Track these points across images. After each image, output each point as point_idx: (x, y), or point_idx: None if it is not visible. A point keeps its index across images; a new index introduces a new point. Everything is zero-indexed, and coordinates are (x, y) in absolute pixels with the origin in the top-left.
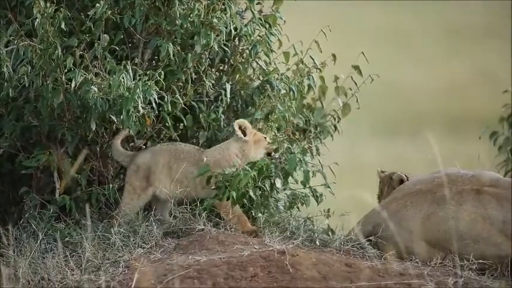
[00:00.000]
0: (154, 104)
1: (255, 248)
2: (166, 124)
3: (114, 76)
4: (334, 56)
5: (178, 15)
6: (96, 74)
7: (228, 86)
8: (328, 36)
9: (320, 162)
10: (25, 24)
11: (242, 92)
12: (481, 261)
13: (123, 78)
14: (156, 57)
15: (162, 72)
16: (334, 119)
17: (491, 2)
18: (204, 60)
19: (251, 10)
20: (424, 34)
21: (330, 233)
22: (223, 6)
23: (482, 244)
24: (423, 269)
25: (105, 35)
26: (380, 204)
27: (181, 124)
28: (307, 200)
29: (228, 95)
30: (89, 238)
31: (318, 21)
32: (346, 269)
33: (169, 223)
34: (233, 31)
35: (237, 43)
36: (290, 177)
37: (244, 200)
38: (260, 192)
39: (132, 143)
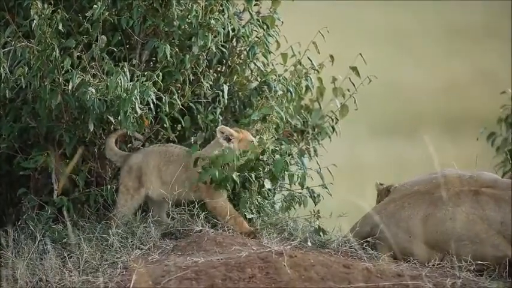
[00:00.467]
0: (152, 105)
1: (253, 249)
2: (164, 125)
3: (111, 77)
4: (332, 57)
5: (176, 17)
6: (94, 75)
7: (225, 87)
8: (327, 36)
9: (318, 164)
10: (23, 25)
11: (240, 93)
12: (479, 262)
13: (120, 79)
14: (154, 58)
15: (160, 74)
16: (332, 120)
17: (491, 2)
18: (201, 62)
19: (249, 11)
20: (424, 34)
21: (321, 233)
22: (221, 8)
23: (480, 245)
24: (421, 270)
25: (103, 36)
26: (378, 205)
27: (179, 125)
28: (304, 200)
29: (226, 96)
30: (86, 239)
31: (317, 21)
32: (344, 270)
33: (167, 224)
34: (231, 32)
35: (234, 44)
36: (286, 179)
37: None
38: (245, 184)
39: (130, 144)
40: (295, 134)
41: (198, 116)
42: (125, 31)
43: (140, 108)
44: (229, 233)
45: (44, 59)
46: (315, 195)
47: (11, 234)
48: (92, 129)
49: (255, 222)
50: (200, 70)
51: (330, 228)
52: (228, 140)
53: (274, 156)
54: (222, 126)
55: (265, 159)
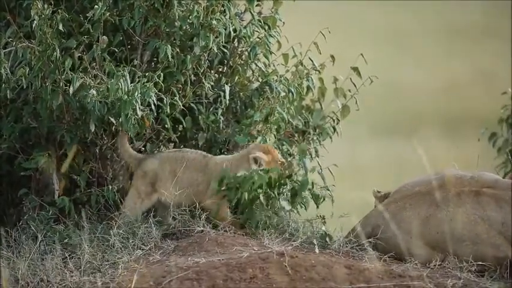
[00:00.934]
0: (153, 106)
1: (254, 250)
2: (166, 126)
3: (112, 80)
4: (332, 57)
5: (177, 17)
6: (95, 76)
7: (227, 88)
8: (328, 36)
9: (319, 164)
10: (24, 26)
11: (241, 93)
12: (480, 262)
13: (121, 82)
14: (155, 59)
15: (161, 74)
16: (334, 120)
17: (491, 2)
18: (203, 62)
19: (250, 12)
20: (424, 34)
21: (327, 238)
22: (222, 8)
23: (481, 246)
24: (422, 271)
25: (104, 36)
26: (379, 206)
27: (181, 126)
28: (306, 202)
29: (227, 97)
30: (87, 240)
31: (318, 21)
32: (345, 270)
33: (169, 224)
34: (232, 33)
35: (236, 45)
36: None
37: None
38: (267, 202)
39: (131, 145)
40: (296, 135)
41: (200, 117)
42: (126, 31)
43: (141, 110)
44: (230, 233)
45: (45, 59)
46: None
47: (12, 234)
48: (93, 130)
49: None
50: (201, 71)
51: (332, 229)
52: (260, 164)
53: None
54: (257, 155)
55: (290, 180)
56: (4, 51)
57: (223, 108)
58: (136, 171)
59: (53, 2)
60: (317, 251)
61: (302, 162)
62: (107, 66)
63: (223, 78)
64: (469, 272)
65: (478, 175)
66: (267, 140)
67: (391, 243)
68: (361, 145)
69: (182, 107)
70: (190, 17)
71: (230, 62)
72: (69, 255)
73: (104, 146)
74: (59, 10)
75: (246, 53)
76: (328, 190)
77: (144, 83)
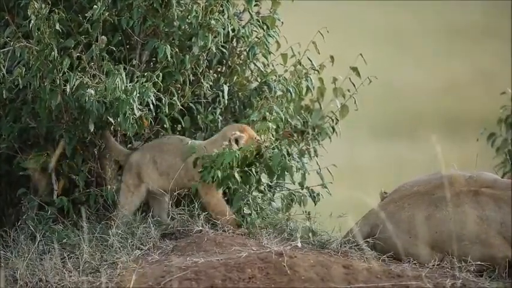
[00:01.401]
0: (152, 106)
1: (253, 250)
2: (164, 125)
3: (109, 79)
4: (332, 57)
5: (176, 17)
6: (94, 76)
7: (225, 88)
8: (327, 36)
9: (318, 164)
10: (22, 25)
11: (240, 93)
12: (479, 262)
13: (118, 82)
14: (154, 58)
15: (160, 74)
16: (333, 120)
17: (491, 2)
18: (201, 62)
19: (249, 11)
20: (424, 34)
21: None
22: (221, 8)
23: (480, 245)
24: (421, 271)
25: (103, 36)
26: (378, 205)
27: (179, 126)
28: (304, 200)
29: (226, 97)
30: (86, 240)
31: (317, 21)
32: (344, 270)
33: (167, 224)
34: (231, 33)
35: (234, 45)
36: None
37: (229, 182)
38: (242, 179)
39: (130, 145)
40: (295, 135)
41: (198, 117)
42: (124, 31)
43: (140, 109)
44: (229, 233)
45: (43, 59)
46: (315, 195)
47: (11, 234)
48: (92, 130)
49: (253, 220)
50: (200, 70)
51: (330, 229)
52: (237, 143)
53: (272, 151)
54: (237, 134)
55: (262, 154)
56: (2, 50)
57: (221, 108)
58: (124, 167)
59: (50, 2)
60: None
61: (301, 161)
62: (105, 66)
63: (222, 78)
64: (467, 272)
65: (477, 175)
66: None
67: (390, 243)
68: (360, 145)
69: (181, 107)
70: (189, 17)
71: (229, 62)
72: (67, 255)
73: (102, 146)
74: (57, 10)
75: (245, 52)
76: (326, 188)
77: (142, 82)
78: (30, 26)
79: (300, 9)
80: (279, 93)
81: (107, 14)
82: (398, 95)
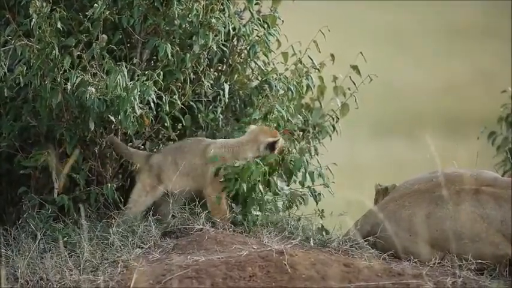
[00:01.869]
0: (152, 104)
1: (254, 248)
2: (165, 124)
3: (111, 77)
4: (332, 56)
5: (176, 16)
6: (94, 74)
7: (226, 86)
8: (328, 36)
9: (319, 163)
10: (23, 24)
11: (240, 92)
12: (479, 261)
13: (119, 79)
14: (155, 57)
15: (161, 73)
16: (333, 119)
17: (491, 2)
18: (202, 61)
19: (249, 10)
20: (424, 34)
21: (324, 233)
22: (221, 7)
23: (481, 244)
24: (421, 269)
25: (104, 35)
26: (378, 204)
27: (180, 124)
28: (306, 199)
29: (227, 95)
30: (87, 238)
31: (317, 20)
32: (344, 269)
33: (168, 223)
34: (231, 31)
35: (235, 43)
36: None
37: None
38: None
39: (131, 143)
40: (296, 133)
41: (199, 115)
42: (125, 30)
43: (140, 108)
44: (229, 232)
45: (44, 57)
46: (316, 194)
47: (12, 233)
48: (92, 128)
49: (255, 218)
50: (201, 69)
51: (331, 227)
52: (272, 149)
53: (293, 155)
54: (274, 139)
55: (283, 157)
56: (3, 49)
57: (222, 107)
58: (143, 167)
59: (51, 0)
60: (312, 243)
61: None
62: (106, 65)
63: (222, 76)
64: (468, 270)
65: (477, 173)
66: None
67: (390, 242)
68: (360, 144)
69: (181, 106)
70: (189, 16)
71: (229, 61)
72: (68, 254)
73: (103, 145)
74: (58, 8)
75: (246, 51)
76: (328, 187)
77: (143, 81)
78: (32, 24)
79: (301, 9)
80: (280, 91)
81: (107, 13)
82: (398, 95)
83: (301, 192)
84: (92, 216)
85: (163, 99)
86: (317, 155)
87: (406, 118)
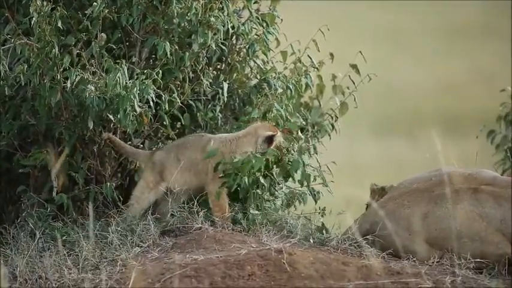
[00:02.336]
0: (151, 103)
1: (253, 247)
2: (164, 123)
3: (110, 75)
4: (331, 55)
5: (175, 14)
6: (93, 73)
7: (225, 85)
8: (327, 34)
9: (318, 162)
10: (22, 23)
11: (239, 90)
12: (478, 260)
13: (119, 77)
14: (154, 56)
15: (160, 71)
16: (332, 118)
17: (491, 1)
18: (201, 59)
19: (248, 9)
20: (424, 33)
21: (324, 231)
22: (220, 5)
23: (480, 243)
24: (421, 268)
25: (103, 33)
26: (377, 203)
27: (179, 123)
28: (304, 197)
29: (226, 94)
30: (86, 237)
31: (316, 19)
32: (343, 267)
33: (167, 222)
34: (230, 30)
35: (234, 42)
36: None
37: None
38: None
39: (130, 142)
40: (294, 132)
41: (198, 114)
42: (124, 28)
43: (139, 106)
44: (228, 230)
45: (44, 56)
46: (315, 193)
47: (11, 231)
48: (91, 127)
49: (254, 217)
50: (200, 68)
51: (330, 226)
52: (270, 142)
53: (292, 156)
54: (272, 133)
55: (281, 158)
56: (3, 48)
57: (221, 105)
58: (146, 165)
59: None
60: (311, 241)
61: (301, 159)
62: (105, 63)
63: (221, 75)
64: (467, 269)
65: (476, 172)
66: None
67: (389, 241)
68: (360, 143)
69: (180, 104)
70: (188, 14)
71: (228, 59)
72: (67, 253)
73: (102, 143)
74: (58, 7)
75: (245, 50)
76: (327, 186)
77: (142, 80)
78: (32, 23)
79: (300, 8)
80: (278, 90)
81: (106, 11)
82: (398, 94)
83: (299, 191)
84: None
85: (163, 97)
86: (316, 154)
87: (406, 117)
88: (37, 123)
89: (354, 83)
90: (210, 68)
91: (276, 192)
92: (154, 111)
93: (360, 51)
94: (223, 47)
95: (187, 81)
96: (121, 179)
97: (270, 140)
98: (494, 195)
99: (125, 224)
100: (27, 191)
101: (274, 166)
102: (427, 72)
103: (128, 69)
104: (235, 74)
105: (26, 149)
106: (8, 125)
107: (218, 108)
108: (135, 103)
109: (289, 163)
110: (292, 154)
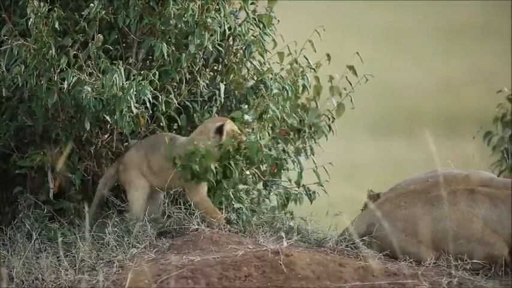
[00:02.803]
0: (148, 104)
1: (249, 248)
2: (161, 124)
3: (107, 76)
4: (328, 55)
5: (172, 15)
6: (90, 74)
7: (222, 86)
8: (325, 35)
9: (314, 162)
10: (19, 24)
11: (236, 91)
12: (475, 261)
13: (115, 78)
14: (150, 57)
15: (156, 72)
16: (329, 119)
17: (491, 1)
18: (198, 60)
19: (245, 10)
20: (423, 33)
21: (320, 233)
22: (217, 6)
23: (476, 244)
24: (417, 269)
25: (100, 35)
26: (374, 204)
27: (176, 124)
28: (300, 198)
29: (222, 95)
30: (82, 238)
31: (314, 20)
32: (340, 268)
33: (163, 223)
34: (227, 31)
35: (231, 43)
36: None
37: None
38: (226, 173)
39: (127, 143)
40: (291, 133)
41: (195, 115)
42: (121, 30)
43: (136, 107)
44: (225, 231)
45: (40, 57)
46: (311, 193)
47: (7, 232)
48: (88, 128)
49: (248, 218)
50: (196, 69)
51: (327, 227)
52: (220, 132)
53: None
54: (218, 124)
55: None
56: (0, 49)
57: (218, 106)
58: (119, 170)
59: (48, 0)
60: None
61: (297, 160)
62: (102, 64)
63: (218, 76)
64: (463, 270)
65: (472, 173)
66: (261, 137)
67: (386, 242)
68: (357, 144)
69: (177, 105)
70: (185, 15)
71: (225, 60)
72: (63, 254)
73: (99, 145)
74: (55, 8)
75: (241, 51)
76: (322, 186)
77: (139, 81)
78: (29, 24)
79: (297, 8)
80: (275, 91)
81: (103, 13)
82: (397, 94)
83: (296, 191)
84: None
85: (159, 99)
86: (313, 154)
87: (404, 117)
88: (34, 124)
89: (351, 84)
90: (207, 69)
91: (253, 183)
92: (151, 112)
93: (357, 52)
94: (220, 48)
95: (184, 82)
96: (117, 180)
97: (219, 130)
98: (491, 196)
99: (121, 225)
100: (24, 192)
101: (232, 156)
102: (427, 72)
103: (124, 70)
104: (232, 75)
105: (22, 150)
106: (4, 126)
107: (215, 109)
108: (132, 104)
109: (246, 149)
110: (248, 139)
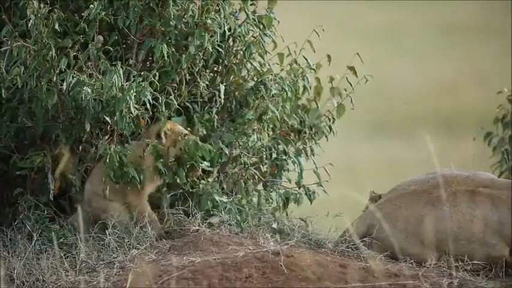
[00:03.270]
0: (148, 105)
1: (250, 249)
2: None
3: (106, 77)
4: (329, 56)
5: (172, 16)
6: (90, 75)
7: (222, 87)
8: (325, 36)
9: (315, 163)
10: (19, 25)
11: (236, 92)
12: (475, 262)
13: (115, 79)
14: (150, 58)
15: (156, 73)
16: (329, 119)
17: (491, 1)
18: (198, 61)
19: (245, 11)
20: (422, 33)
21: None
22: (217, 7)
23: (477, 245)
24: (418, 270)
25: (100, 36)
26: (374, 205)
27: None
28: (300, 198)
29: (222, 96)
30: (83, 239)
31: (314, 21)
32: (340, 269)
33: (161, 227)
34: (227, 32)
35: (231, 44)
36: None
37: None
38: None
39: (127, 144)
40: (292, 134)
41: (195, 116)
42: (121, 31)
43: (136, 109)
44: (225, 232)
45: (40, 58)
46: (310, 193)
47: (8, 234)
48: (88, 129)
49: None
50: (196, 70)
51: (327, 228)
52: (159, 137)
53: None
54: (166, 126)
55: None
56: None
57: (218, 107)
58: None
59: (48, 1)
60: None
61: (297, 160)
62: (101, 65)
63: (218, 77)
64: (464, 271)
65: (473, 174)
66: (261, 138)
67: (387, 243)
68: (357, 144)
69: (177, 106)
70: (185, 16)
71: (225, 61)
72: (64, 255)
73: (99, 146)
74: (55, 9)
75: (241, 52)
76: (321, 186)
77: (139, 82)
78: (29, 25)
79: (297, 9)
80: (274, 91)
81: (103, 14)
82: (395, 94)
83: (295, 191)
84: (87, 217)
85: (159, 100)
86: (313, 155)
87: (403, 118)
88: (34, 126)
89: (351, 85)
90: (207, 70)
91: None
92: (151, 113)
93: (358, 53)
94: (220, 49)
95: (184, 84)
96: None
97: (157, 135)
98: (492, 197)
99: (122, 227)
100: (24, 193)
101: (161, 156)
102: (427, 72)
103: (124, 71)
104: (231, 76)
105: (23, 151)
106: (4, 128)
107: (215, 110)
108: (132, 105)
109: (184, 150)
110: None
